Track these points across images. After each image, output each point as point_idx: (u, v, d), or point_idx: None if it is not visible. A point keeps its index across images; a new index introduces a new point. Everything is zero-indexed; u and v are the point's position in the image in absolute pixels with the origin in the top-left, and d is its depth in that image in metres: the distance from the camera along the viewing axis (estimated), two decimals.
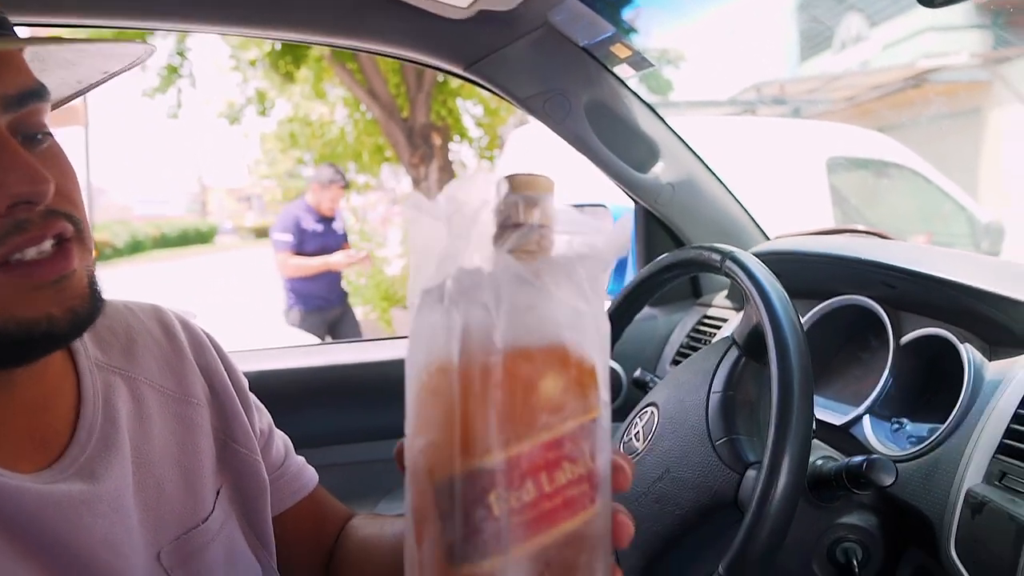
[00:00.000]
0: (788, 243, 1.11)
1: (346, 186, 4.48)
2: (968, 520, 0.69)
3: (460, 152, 8.80)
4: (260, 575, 0.70)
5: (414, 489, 0.36)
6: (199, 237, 23.10)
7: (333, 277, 4.19)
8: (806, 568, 0.78)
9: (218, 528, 0.65)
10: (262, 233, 24.72)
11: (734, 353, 0.76)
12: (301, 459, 0.80)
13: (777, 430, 0.62)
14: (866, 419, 0.86)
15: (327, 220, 4.10)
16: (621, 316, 0.94)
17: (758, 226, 1.28)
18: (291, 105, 8.96)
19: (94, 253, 0.57)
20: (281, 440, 0.78)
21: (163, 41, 7.41)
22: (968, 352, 0.77)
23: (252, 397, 0.76)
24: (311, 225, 4.02)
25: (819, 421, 0.91)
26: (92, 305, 0.55)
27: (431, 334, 0.35)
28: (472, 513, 0.33)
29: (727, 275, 0.75)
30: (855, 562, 0.76)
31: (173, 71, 7.87)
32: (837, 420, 0.89)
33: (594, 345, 0.36)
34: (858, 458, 0.69)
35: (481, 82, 1.16)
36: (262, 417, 0.76)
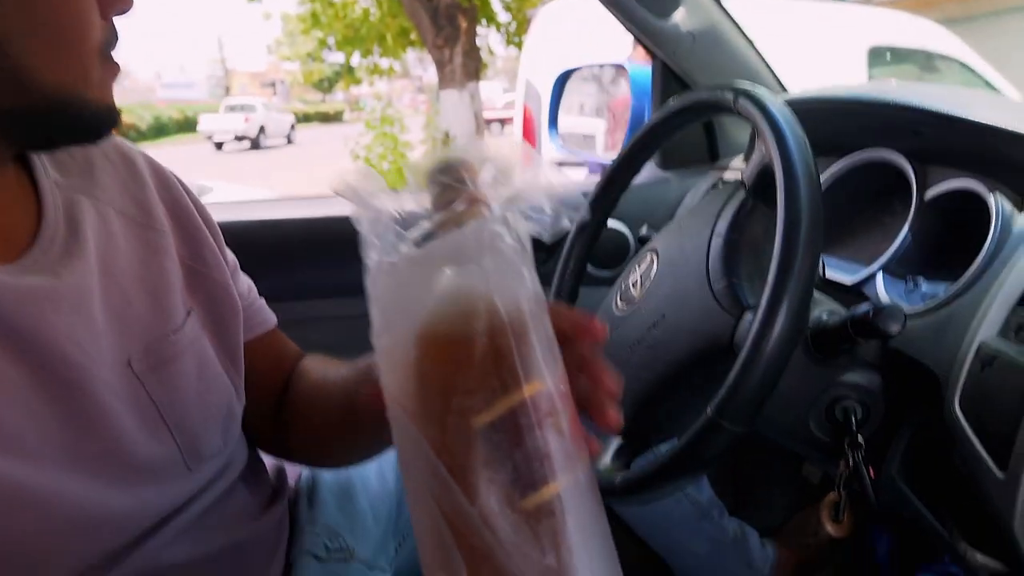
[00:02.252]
0: (809, 92, 1.03)
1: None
2: (977, 374, 0.65)
3: (487, 37, 8.51)
4: (231, 393, 0.71)
5: (438, 429, 0.35)
6: None
7: None
8: (803, 425, 0.76)
9: (188, 343, 0.66)
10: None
11: (741, 195, 0.71)
12: (261, 300, 0.81)
13: (778, 271, 0.58)
14: (879, 277, 0.82)
15: None
16: (628, 167, 0.89)
17: (780, 84, 1.20)
18: None
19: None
20: (244, 277, 0.79)
21: None
22: (997, 201, 0.71)
23: (220, 234, 0.76)
24: None
25: (829, 281, 0.87)
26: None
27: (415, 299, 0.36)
28: (541, 439, 0.34)
29: (740, 114, 0.69)
30: (854, 420, 0.73)
31: None
32: (848, 279, 0.84)
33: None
34: (864, 306, 0.65)
35: None
36: (228, 254, 0.77)
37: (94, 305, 0.60)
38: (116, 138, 0.73)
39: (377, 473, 0.91)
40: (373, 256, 0.38)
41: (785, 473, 1.39)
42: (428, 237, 0.38)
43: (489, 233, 0.37)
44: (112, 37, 0.59)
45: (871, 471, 0.72)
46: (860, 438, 0.72)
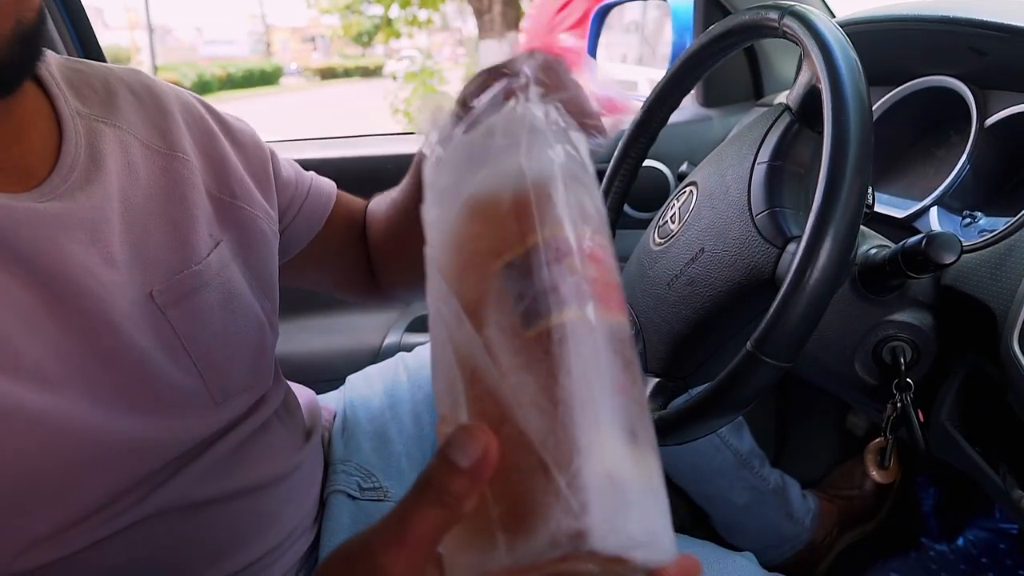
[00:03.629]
0: (861, 13, 0.97)
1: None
2: None
3: None
4: (263, 325, 0.70)
5: (466, 282, 0.37)
6: (264, 78, 22.97)
7: None
8: (849, 367, 0.72)
9: (214, 273, 0.65)
10: (328, 74, 24.48)
11: (786, 119, 0.67)
12: (311, 175, 0.84)
13: (824, 197, 0.54)
14: (933, 211, 0.77)
15: None
16: (667, 100, 0.85)
17: (828, 8, 1.13)
18: None
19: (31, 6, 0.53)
20: (288, 162, 0.81)
21: None
22: None
23: (255, 140, 0.77)
24: None
25: (880, 215, 0.82)
26: (24, 49, 0.53)
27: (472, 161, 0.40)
28: (550, 274, 0.35)
29: (785, 34, 0.65)
30: (903, 362, 0.70)
31: None
32: (901, 214, 0.80)
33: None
34: (916, 236, 0.61)
35: None
36: (269, 158, 0.78)
37: (113, 235, 0.59)
38: (137, 71, 0.72)
39: (412, 416, 0.90)
40: (429, 144, 0.43)
41: (829, 424, 1.36)
42: (473, 124, 0.42)
43: (521, 111, 0.40)
44: None
45: (920, 415, 0.69)
46: (909, 380, 0.69)
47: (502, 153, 0.39)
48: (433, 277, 0.39)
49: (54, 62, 0.64)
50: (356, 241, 0.86)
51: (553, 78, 0.49)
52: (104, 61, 1.26)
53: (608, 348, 0.35)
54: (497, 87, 0.44)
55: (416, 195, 0.74)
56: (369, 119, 10.01)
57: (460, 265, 0.38)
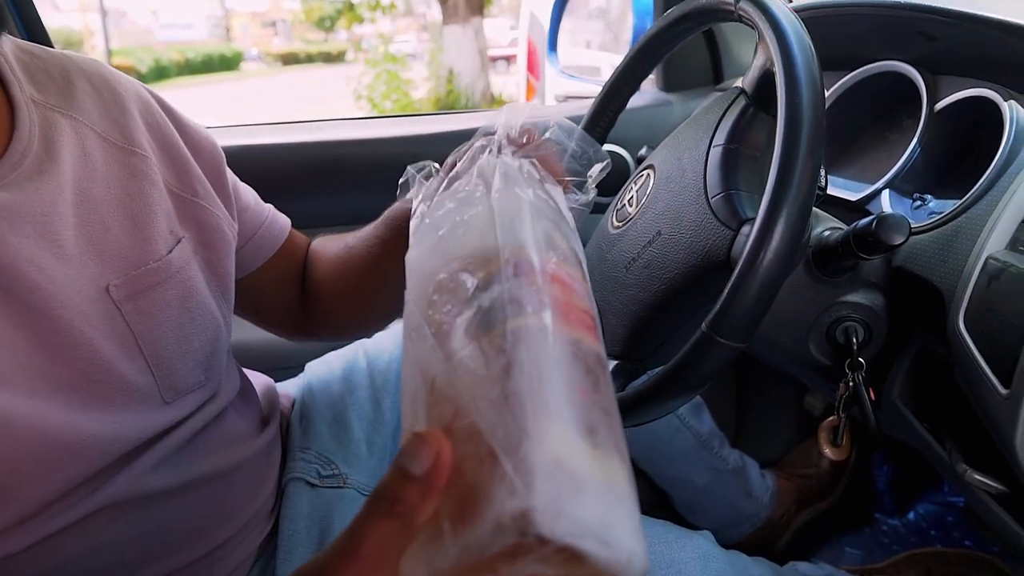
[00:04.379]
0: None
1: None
2: (983, 289, 0.62)
3: None
4: (218, 325, 0.69)
5: (436, 307, 0.39)
6: (224, 63, 22.50)
7: None
8: (803, 347, 0.74)
9: (174, 271, 0.64)
10: (289, 60, 24.08)
11: (741, 103, 0.67)
12: (269, 207, 0.82)
13: (777, 179, 0.55)
14: (885, 194, 0.78)
15: None
16: (626, 84, 0.85)
17: None
18: None
19: None
20: (247, 189, 0.79)
21: None
22: (1012, 109, 0.68)
23: (212, 143, 0.74)
24: None
25: (834, 199, 0.84)
26: None
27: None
28: (511, 286, 0.36)
29: (741, 18, 0.65)
30: (855, 342, 0.71)
31: None
32: (854, 196, 0.81)
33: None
34: (867, 218, 0.62)
35: None
36: (227, 174, 0.76)
37: (65, 228, 0.57)
38: (98, 62, 0.69)
39: (372, 401, 0.90)
40: (415, 205, 0.48)
41: (786, 405, 1.38)
42: (453, 180, 0.48)
43: (494, 161, 0.45)
44: None
45: (871, 393, 0.70)
46: (861, 359, 0.70)
47: (474, 193, 0.43)
48: (409, 313, 0.40)
49: (8, 47, 0.62)
50: (294, 277, 0.86)
51: (529, 138, 0.53)
52: (51, 45, 1.21)
53: (566, 353, 0.35)
54: (477, 145, 0.49)
55: (379, 246, 0.76)
56: (331, 105, 9.88)
57: (432, 292, 0.39)
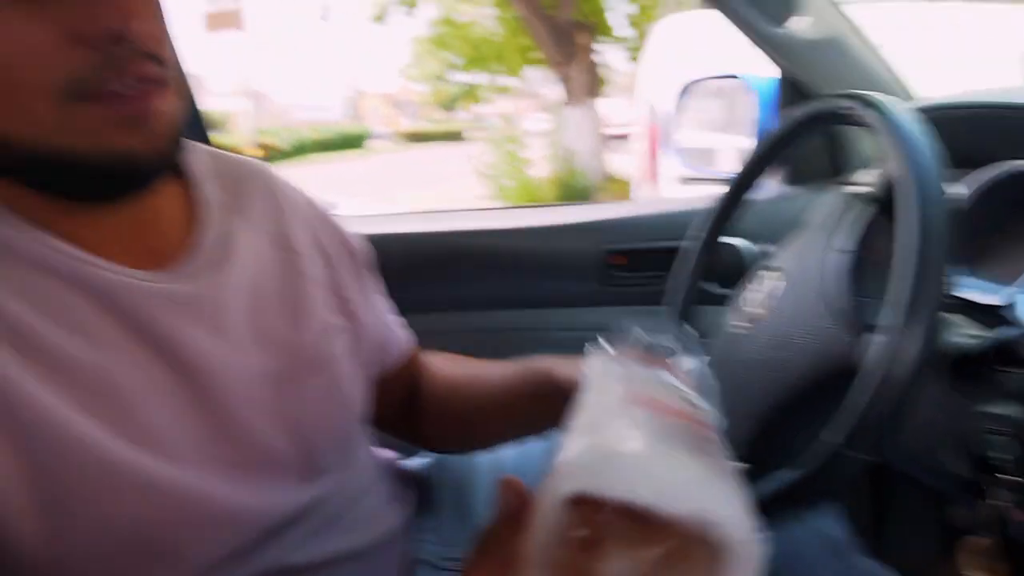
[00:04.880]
0: (944, 98, 0.97)
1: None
2: None
3: (606, 52, 8.50)
4: (359, 409, 0.73)
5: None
6: (352, 141, 23.98)
7: None
8: (940, 459, 0.71)
9: (326, 361, 0.68)
10: (414, 138, 25.33)
11: (863, 207, 0.67)
12: (397, 318, 0.86)
13: (901, 289, 0.55)
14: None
15: None
16: (747, 181, 0.87)
17: (907, 92, 1.13)
18: (439, 6, 8.97)
19: (180, 98, 0.57)
20: (382, 299, 0.83)
21: None
22: None
23: (366, 260, 0.80)
24: None
25: (968, 301, 0.81)
26: (174, 147, 0.57)
27: None
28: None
29: (861, 124, 0.66)
30: (997, 456, 0.67)
31: None
32: (990, 301, 0.78)
33: None
34: (1012, 331, 0.60)
35: None
36: (367, 275, 0.81)
37: (235, 319, 0.63)
38: (266, 166, 0.76)
39: (494, 487, 0.91)
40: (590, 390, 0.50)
41: (928, 513, 1.29)
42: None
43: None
44: (96, 69, 0.50)
45: (1018, 514, 0.66)
46: (1004, 475, 0.66)
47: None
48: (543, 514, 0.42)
49: (193, 149, 0.69)
50: (406, 389, 0.88)
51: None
52: (205, 132, 1.34)
53: None
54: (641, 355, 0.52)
55: (504, 394, 0.81)
56: (453, 182, 10.29)
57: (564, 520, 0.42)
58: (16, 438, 0.51)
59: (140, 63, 0.52)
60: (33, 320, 0.54)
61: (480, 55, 9.07)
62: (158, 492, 0.55)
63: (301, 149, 20.01)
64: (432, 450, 0.92)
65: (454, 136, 24.01)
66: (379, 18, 8.89)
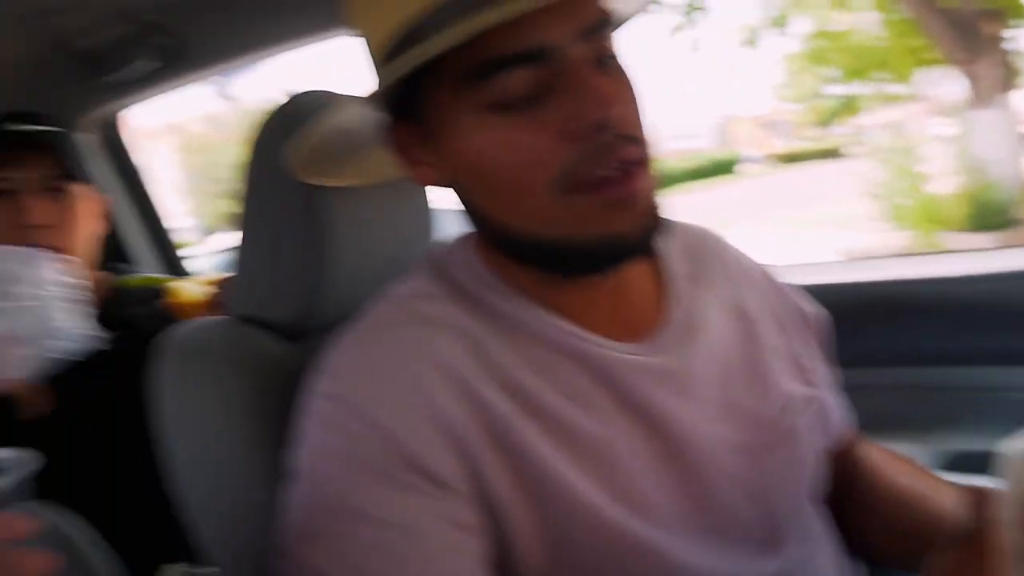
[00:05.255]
0: None
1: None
2: None
3: (1019, 39, 7.19)
4: (805, 484, 0.70)
5: None
6: (722, 167, 23.71)
7: None
8: None
9: (787, 430, 0.68)
10: (788, 159, 24.26)
11: None
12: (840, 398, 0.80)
13: None
14: None
15: None
16: None
17: None
18: (813, 20, 8.52)
19: (655, 175, 0.60)
20: (830, 375, 0.79)
21: None
22: None
23: (817, 324, 0.78)
24: None
25: None
26: (656, 223, 0.60)
27: None
28: None
29: None
30: None
31: (695, 8, 8.01)
32: None
33: None
34: None
35: None
36: (822, 347, 0.78)
37: (707, 392, 0.65)
38: (710, 232, 0.77)
39: None
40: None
41: None
42: None
43: None
44: (585, 160, 0.53)
45: None
46: None
47: None
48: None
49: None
50: (840, 479, 0.80)
51: None
52: None
53: None
54: None
55: (939, 519, 0.73)
56: (831, 201, 9.65)
57: None
58: (520, 476, 0.55)
59: (622, 147, 0.56)
60: (536, 384, 0.58)
61: (862, 64, 8.40)
62: (649, 556, 0.58)
63: (672, 179, 20.42)
64: (857, 555, 0.80)
65: (831, 153, 22.47)
66: (751, 42, 8.73)
